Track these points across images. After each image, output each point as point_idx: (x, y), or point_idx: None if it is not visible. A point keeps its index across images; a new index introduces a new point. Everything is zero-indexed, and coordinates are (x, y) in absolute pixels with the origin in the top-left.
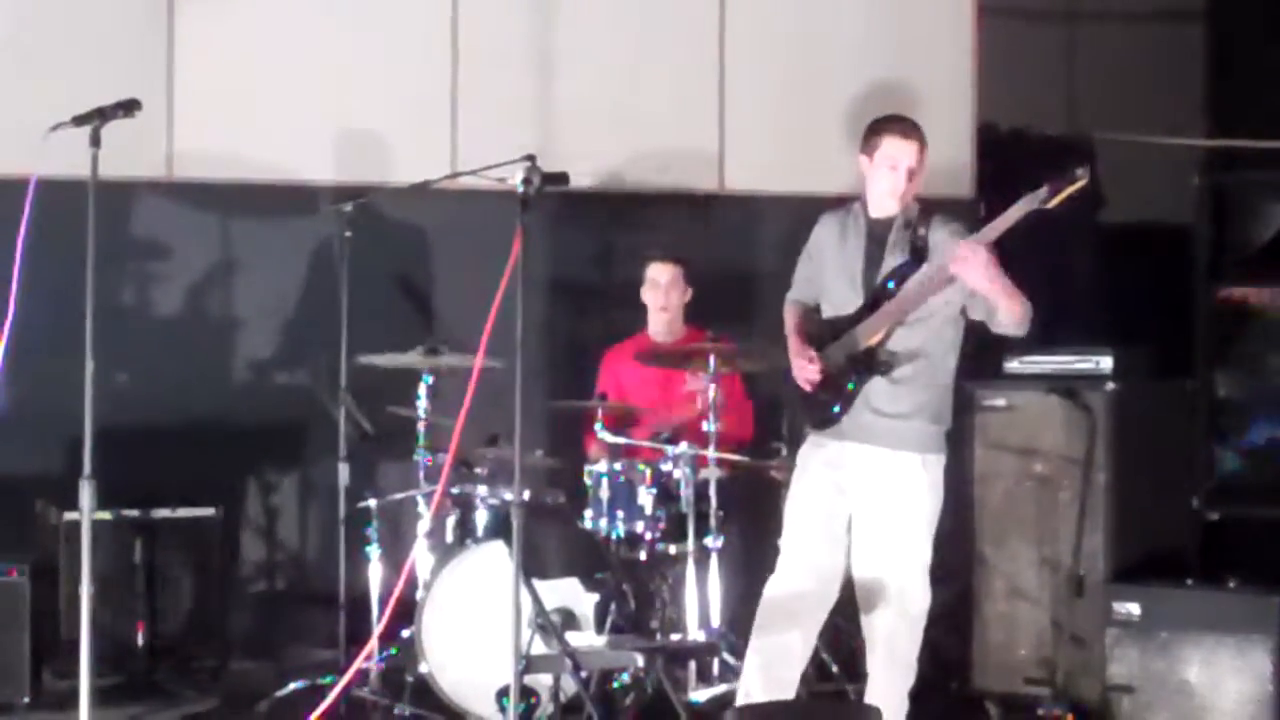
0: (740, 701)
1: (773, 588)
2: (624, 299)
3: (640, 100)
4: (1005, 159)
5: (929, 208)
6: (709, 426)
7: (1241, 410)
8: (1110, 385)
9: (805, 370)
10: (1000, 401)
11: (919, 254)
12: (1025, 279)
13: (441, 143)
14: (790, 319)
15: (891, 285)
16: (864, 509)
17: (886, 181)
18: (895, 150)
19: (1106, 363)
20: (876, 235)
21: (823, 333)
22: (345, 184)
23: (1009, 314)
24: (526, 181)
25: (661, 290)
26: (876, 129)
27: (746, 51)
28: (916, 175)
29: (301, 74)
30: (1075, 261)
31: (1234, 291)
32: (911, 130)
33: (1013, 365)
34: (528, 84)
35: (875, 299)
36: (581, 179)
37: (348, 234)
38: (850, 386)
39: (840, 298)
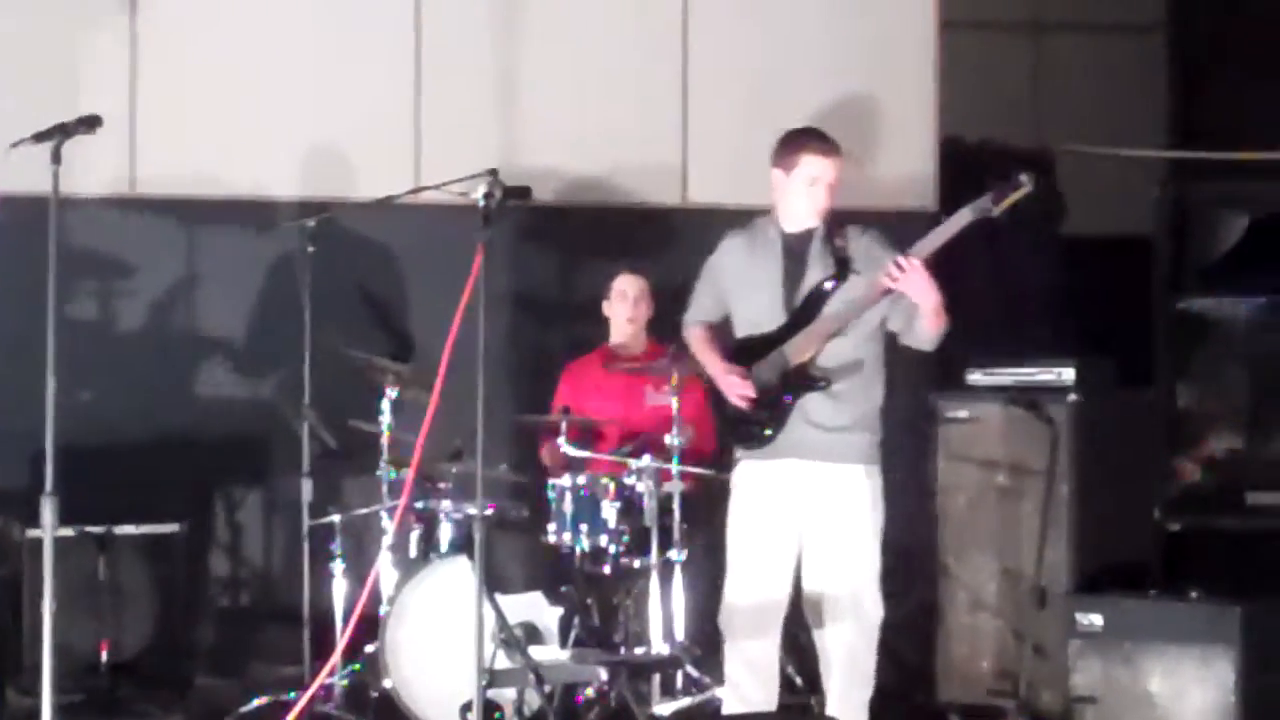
0: (729, 706)
1: (732, 599)
2: (587, 313)
3: (604, 114)
4: (968, 171)
5: (840, 217)
6: (672, 440)
7: (1202, 421)
8: (1072, 396)
9: (737, 389)
10: (962, 413)
11: (844, 265)
12: (989, 290)
13: (404, 158)
14: (700, 341)
15: (825, 300)
16: (813, 525)
17: (806, 199)
18: (815, 168)
19: (1068, 374)
20: (794, 250)
21: (741, 352)
22: (308, 199)
23: (932, 329)
24: (488, 196)
25: (630, 302)
26: (795, 145)
27: (709, 65)
28: (834, 189)
29: (264, 90)
30: (1037, 273)
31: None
32: (831, 147)
33: (975, 377)
34: (490, 98)
35: (802, 314)
36: (544, 193)
37: (310, 249)
38: (786, 400)
39: (758, 316)
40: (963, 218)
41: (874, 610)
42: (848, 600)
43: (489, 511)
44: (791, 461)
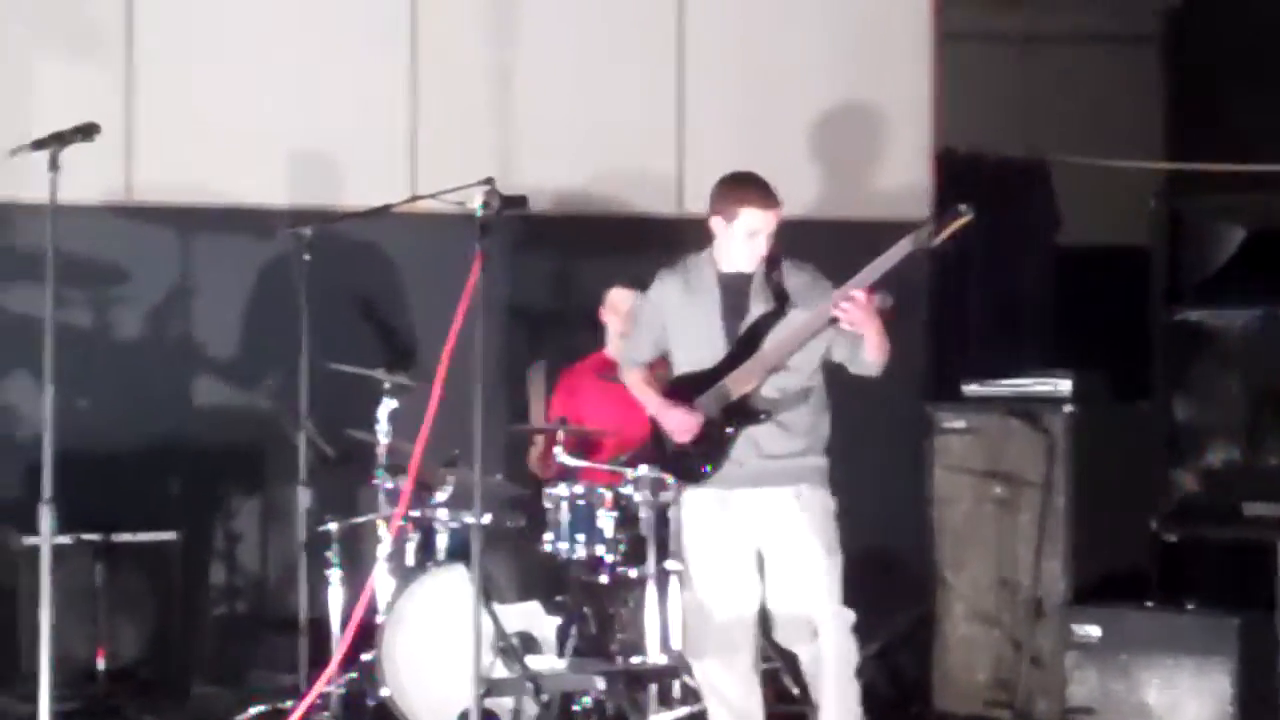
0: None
1: (698, 623)
2: (583, 322)
3: (600, 123)
4: (964, 182)
5: (773, 255)
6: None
7: (1199, 432)
8: (1069, 408)
9: (684, 423)
10: (959, 424)
11: (783, 299)
12: (985, 302)
13: (400, 166)
14: (637, 382)
15: (766, 333)
16: (775, 547)
17: (745, 248)
18: (754, 221)
19: (1065, 385)
20: (732, 287)
21: (680, 389)
22: (304, 208)
23: (877, 356)
24: (485, 205)
25: (621, 316)
26: (735, 198)
27: (706, 75)
28: (771, 237)
29: (261, 98)
30: (1033, 284)
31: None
32: (770, 199)
33: (972, 388)
34: (487, 107)
35: (742, 348)
36: (540, 203)
37: (307, 258)
38: (728, 433)
39: (697, 353)
40: (902, 249)
41: (850, 614)
42: (828, 610)
43: (486, 520)
44: (743, 491)
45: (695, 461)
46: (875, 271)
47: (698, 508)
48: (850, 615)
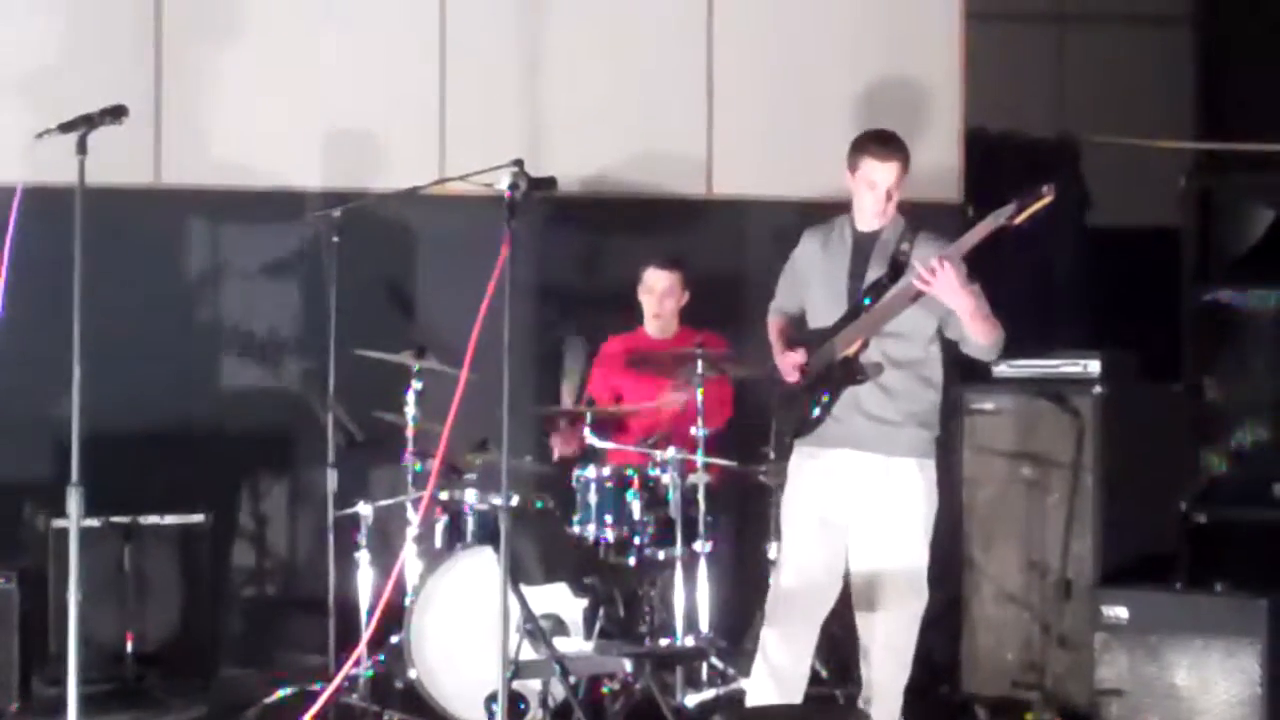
0: (753, 698)
1: (781, 583)
2: (612, 303)
3: (628, 105)
4: (993, 162)
5: (917, 224)
6: (696, 431)
7: (1229, 413)
8: (1098, 389)
9: (791, 361)
10: (989, 405)
11: (897, 268)
12: (1014, 282)
13: (430, 148)
14: (773, 326)
15: (868, 299)
16: (862, 514)
17: (868, 201)
18: (873, 172)
19: (1094, 366)
20: (862, 248)
21: (806, 341)
22: (334, 189)
23: (977, 335)
24: (514, 186)
25: (656, 297)
26: (857, 147)
27: (734, 56)
28: (895, 193)
29: (289, 80)
30: (1063, 264)
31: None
32: (889, 151)
33: (1001, 369)
34: (516, 89)
35: (854, 310)
36: (569, 184)
37: (336, 239)
38: (825, 396)
39: (824, 309)
40: (987, 225)
41: (918, 600)
42: (893, 588)
43: (514, 502)
44: (844, 451)
45: (801, 410)
46: (960, 248)
47: (799, 468)
48: (921, 600)
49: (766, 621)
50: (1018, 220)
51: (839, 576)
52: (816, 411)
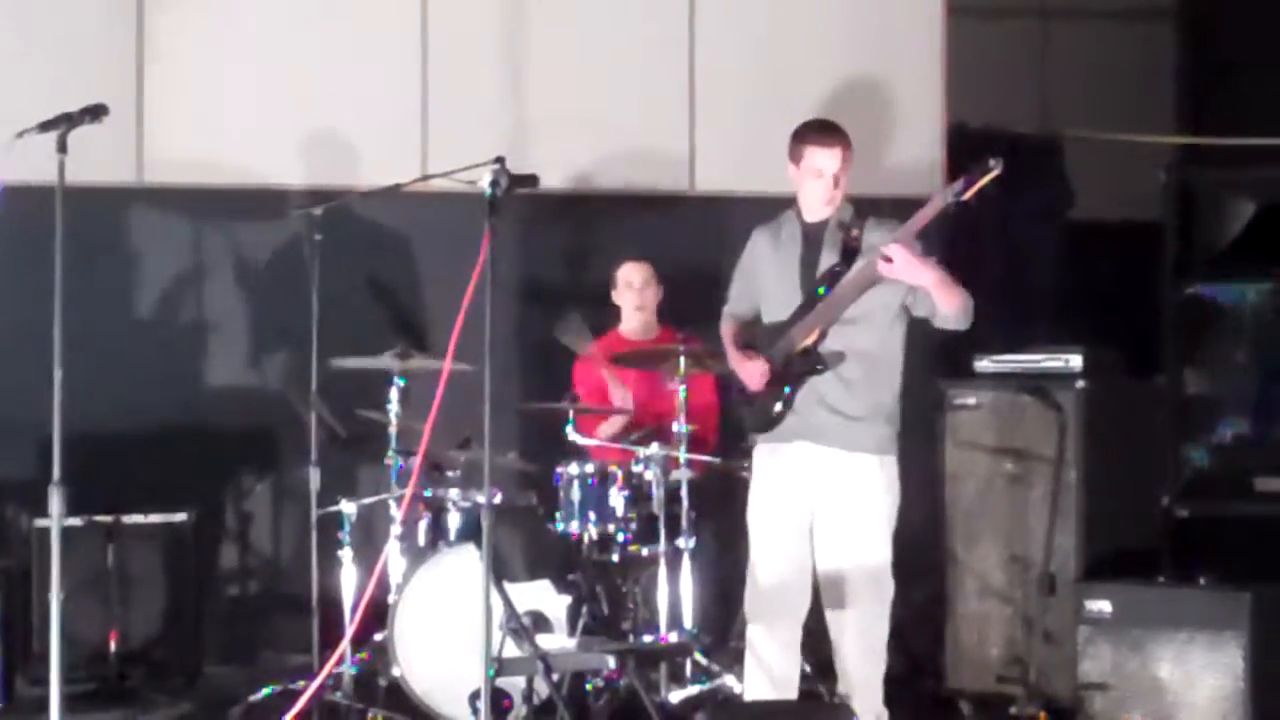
0: (751, 687)
1: (759, 581)
2: (594, 300)
3: (610, 102)
4: (976, 157)
5: (863, 209)
6: (679, 428)
7: (1210, 407)
8: (1080, 383)
9: (753, 371)
10: (971, 400)
11: (850, 254)
12: (997, 277)
13: (411, 145)
14: (726, 334)
15: (824, 288)
16: (826, 509)
17: (814, 190)
18: (817, 159)
19: (1076, 361)
20: (812, 239)
21: (763, 338)
22: (315, 187)
23: (948, 306)
24: (495, 184)
25: (636, 291)
26: (799, 138)
27: (716, 53)
28: (842, 179)
29: (271, 77)
30: (1045, 259)
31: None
32: (832, 137)
33: (983, 364)
34: (497, 86)
35: (810, 300)
36: (551, 181)
37: (317, 237)
38: (785, 389)
39: (780, 304)
40: (935, 204)
41: (886, 590)
42: (861, 581)
43: (497, 500)
44: (804, 445)
45: (764, 407)
46: (913, 227)
47: (761, 464)
48: (888, 591)
49: (750, 620)
50: (967, 196)
51: (809, 570)
52: (779, 407)
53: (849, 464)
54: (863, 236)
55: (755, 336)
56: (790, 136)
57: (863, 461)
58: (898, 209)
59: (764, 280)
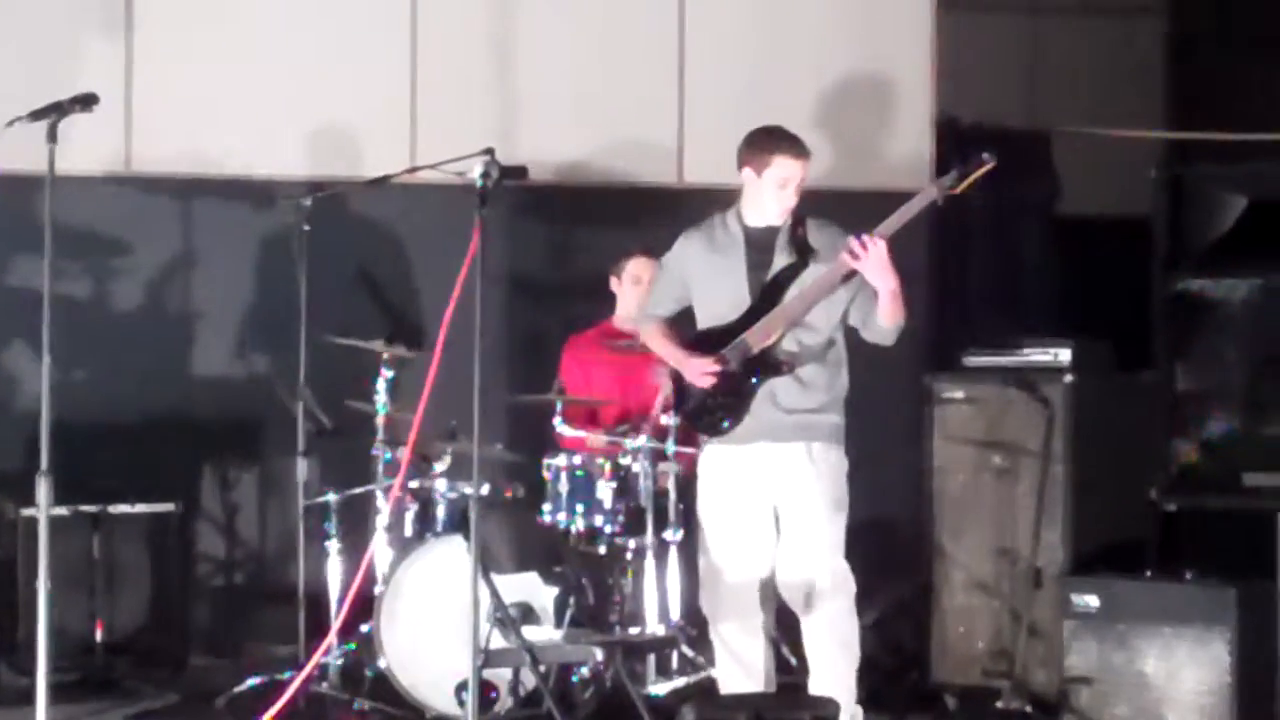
0: (725, 686)
1: (714, 582)
2: (583, 292)
3: (600, 94)
4: (965, 152)
5: (799, 211)
6: (668, 421)
7: (1200, 402)
8: (1069, 378)
9: (703, 367)
10: (959, 394)
11: (805, 255)
12: (986, 271)
13: (401, 136)
14: (656, 334)
15: (788, 286)
16: (790, 503)
17: (776, 199)
18: (787, 169)
19: (1065, 355)
20: (758, 242)
21: (702, 343)
22: (304, 178)
23: (890, 319)
24: (485, 175)
25: (643, 287)
26: (767, 147)
27: (706, 45)
28: (801, 189)
29: (260, 68)
30: (1034, 254)
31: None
32: (802, 149)
33: (971, 358)
34: (487, 77)
35: (765, 301)
36: (540, 173)
37: (306, 228)
38: (748, 388)
39: (722, 306)
40: (925, 197)
41: (850, 580)
42: (829, 574)
43: (484, 491)
44: (762, 445)
45: (716, 414)
46: (898, 220)
47: (715, 465)
48: (849, 576)
49: (717, 619)
50: (958, 190)
51: (770, 564)
52: (732, 414)
53: (811, 455)
54: (807, 236)
55: (697, 338)
56: (748, 142)
57: (823, 451)
58: (887, 202)
59: (700, 283)
